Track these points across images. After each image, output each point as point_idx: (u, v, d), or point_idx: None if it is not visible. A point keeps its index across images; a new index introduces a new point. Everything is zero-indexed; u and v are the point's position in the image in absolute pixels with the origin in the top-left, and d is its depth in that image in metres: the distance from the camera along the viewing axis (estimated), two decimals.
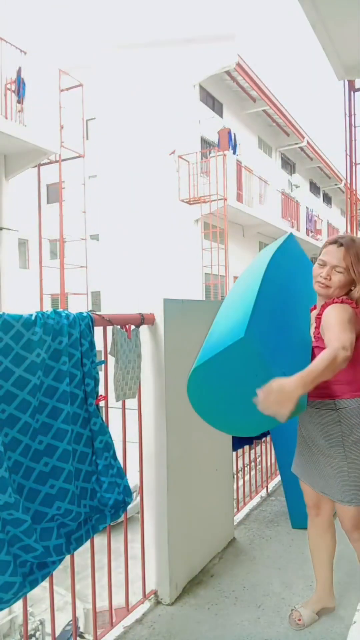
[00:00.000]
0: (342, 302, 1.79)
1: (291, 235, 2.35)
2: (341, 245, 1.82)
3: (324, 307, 1.82)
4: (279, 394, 1.44)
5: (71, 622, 3.58)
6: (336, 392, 1.83)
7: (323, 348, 1.79)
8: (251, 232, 15.73)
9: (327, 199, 25.58)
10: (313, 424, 1.89)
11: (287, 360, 1.73)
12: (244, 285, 1.99)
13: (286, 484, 3.02)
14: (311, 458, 1.96)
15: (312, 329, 1.90)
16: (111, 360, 1.98)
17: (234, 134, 14.27)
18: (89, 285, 10.99)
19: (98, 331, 1.86)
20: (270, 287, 1.87)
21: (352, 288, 1.83)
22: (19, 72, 7.71)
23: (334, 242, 1.85)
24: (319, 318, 1.83)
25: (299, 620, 2.04)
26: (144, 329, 2.18)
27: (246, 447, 3.43)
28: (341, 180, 22.84)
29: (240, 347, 1.56)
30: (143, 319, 2.12)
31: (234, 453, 3.04)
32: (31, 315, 1.55)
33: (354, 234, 6.63)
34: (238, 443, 3.02)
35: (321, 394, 1.84)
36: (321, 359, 1.55)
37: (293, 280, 2.15)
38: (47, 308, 6.51)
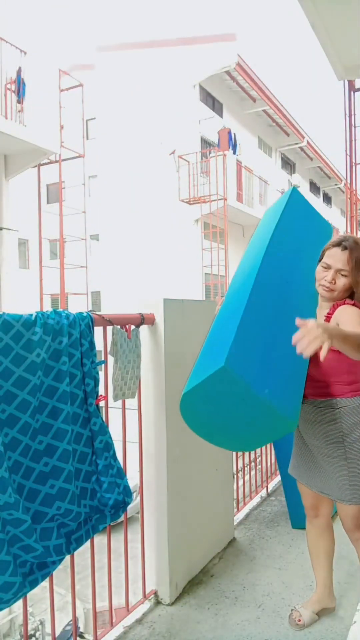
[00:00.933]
0: (354, 304, 1.80)
1: (294, 192, 2.20)
2: (345, 248, 1.81)
3: (334, 307, 1.82)
4: (318, 330, 1.39)
5: (71, 622, 3.58)
6: (337, 391, 1.83)
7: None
8: (251, 232, 15.56)
9: (327, 199, 25.59)
10: (313, 422, 1.89)
11: (280, 369, 1.68)
12: (241, 279, 1.93)
13: (286, 484, 3.01)
14: (309, 458, 1.96)
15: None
16: (111, 360, 1.98)
17: (234, 134, 14.28)
18: (89, 285, 10.99)
19: (98, 331, 1.86)
20: (266, 282, 1.81)
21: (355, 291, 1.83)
22: (19, 72, 7.71)
23: (338, 244, 1.83)
24: (328, 317, 1.82)
25: (299, 620, 2.04)
26: (144, 329, 2.18)
27: None
28: (341, 180, 22.85)
29: (222, 375, 1.52)
30: (143, 319, 2.12)
31: (234, 453, 3.04)
32: (31, 315, 1.55)
33: (354, 234, 6.63)
34: None
35: (322, 393, 1.85)
36: (356, 332, 1.56)
37: (298, 252, 2.05)
38: (47, 308, 6.51)
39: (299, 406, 1.71)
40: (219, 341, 1.69)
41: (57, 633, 5.97)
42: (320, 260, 1.89)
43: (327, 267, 1.83)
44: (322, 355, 1.37)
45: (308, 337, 1.37)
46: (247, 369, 1.55)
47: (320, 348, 1.37)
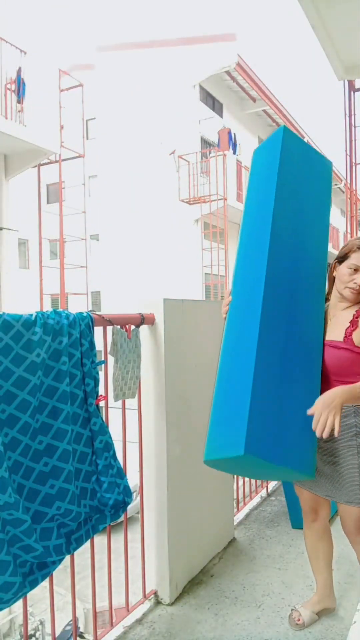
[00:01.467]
0: None
1: (286, 132, 1.92)
2: None
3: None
4: (323, 407, 1.56)
5: (71, 622, 3.58)
6: None
7: (350, 350, 1.77)
8: None
9: None
10: None
11: (295, 419, 1.65)
12: (248, 281, 1.82)
13: (286, 484, 3.01)
14: None
15: (344, 329, 1.83)
16: (111, 360, 1.98)
17: (234, 134, 14.29)
18: (89, 285, 11.00)
19: (98, 331, 1.86)
20: (275, 290, 1.72)
21: None
22: (19, 72, 7.71)
23: None
24: (355, 321, 1.80)
25: (299, 620, 2.04)
26: (144, 329, 2.18)
27: None
28: (341, 180, 22.82)
29: (242, 457, 1.49)
30: (143, 319, 2.12)
31: None
32: (31, 315, 1.55)
33: (354, 234, 6.64)
34: None
35: None
36: None
37: (303, 212, 1.92)
38: (47, 308, 6.51)
39: (315, 455, 1.68)
40: (233, 399, 1.61)
41: (57, 633, 5.98)
42: (340, 261, 1.87)
43: (356, 269, 1.82)
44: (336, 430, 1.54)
45: (321, 423, 1.54)
46: (266, 447, 1.51)
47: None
